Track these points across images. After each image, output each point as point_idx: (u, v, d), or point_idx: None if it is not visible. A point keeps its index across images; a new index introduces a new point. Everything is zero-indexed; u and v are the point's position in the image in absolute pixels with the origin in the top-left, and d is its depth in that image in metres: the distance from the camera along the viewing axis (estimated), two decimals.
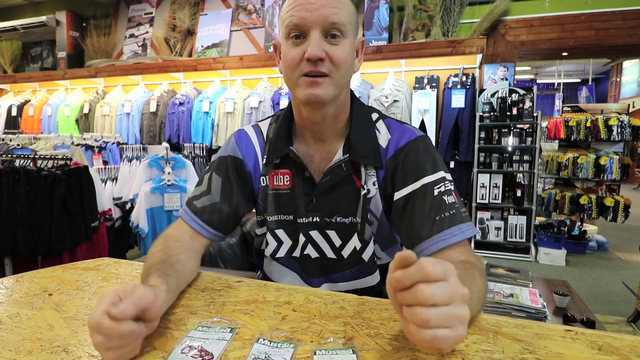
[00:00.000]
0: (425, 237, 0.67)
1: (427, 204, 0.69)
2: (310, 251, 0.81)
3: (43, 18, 5.20)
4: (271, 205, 0.82)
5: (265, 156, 0.83)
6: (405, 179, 0.73)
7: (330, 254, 0.80)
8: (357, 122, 0.78)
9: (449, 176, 0.73)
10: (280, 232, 0.82)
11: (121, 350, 0.45)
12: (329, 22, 0.67)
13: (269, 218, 0.83)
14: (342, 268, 0.81)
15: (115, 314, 0.43)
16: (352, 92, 0.82)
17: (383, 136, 0.79)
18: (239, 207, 0.83)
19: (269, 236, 0.83)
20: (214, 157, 0.88)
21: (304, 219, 0.80)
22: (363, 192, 0.77)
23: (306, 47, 0.67)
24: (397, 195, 0.74)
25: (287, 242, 0.82)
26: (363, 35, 3.82)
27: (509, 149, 3.65)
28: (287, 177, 0.81)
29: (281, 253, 0.83)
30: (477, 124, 3.50)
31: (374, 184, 0.78)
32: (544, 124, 5.87)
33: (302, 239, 0.81)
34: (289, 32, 0.69)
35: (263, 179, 0.83)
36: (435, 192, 0.70)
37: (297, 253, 0.82)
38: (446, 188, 0.70)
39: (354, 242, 0.78)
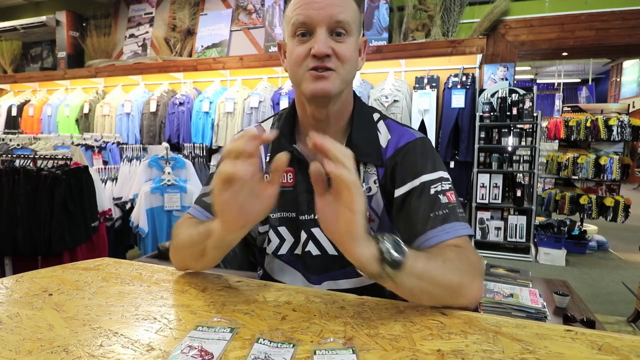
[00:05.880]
0: (420, 233, 0.69)
1: (424, 202, 0.71)
2: (312, 248, 0.81)
3: (43, 18, 5.20)
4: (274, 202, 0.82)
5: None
6: (404, 177, 0.74)
7: (331, 251, 0.81)
8: (359, 120, 0.79)
9: (447, 176, 0.74)
10: (283, 230, 0.83)
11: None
12: (335, 20, 0.68)
13: (272, 215, 0.83)
14: (343, 266, 0.81)
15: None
16: (353, 92, 0.82)
17: (383, 136, 0.80)
18: None
19: (271, 233, 0.84)
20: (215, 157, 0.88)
21: (305, 216, 0.80)
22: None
23: (312, 44, 0.69)
24: (397, 192, 0.75)
25: (290, 240, 0.83)
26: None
27: (509, 149, 3.65)
28: (290, 175, 0.82)
29: (283, 250, 0.83)
30: (477, 124, 3.50)
31: (374, 182, 0.79)
32: (544, 124, 5.88)
33: (303, 236, 0.81)
34: (295, 30, 0.70)
35: (266, 177, 0.83)
36: (432, 190, 0.71)
37: (299, 250, 0.82)
38: (443, 188, 0.72)
39: None
